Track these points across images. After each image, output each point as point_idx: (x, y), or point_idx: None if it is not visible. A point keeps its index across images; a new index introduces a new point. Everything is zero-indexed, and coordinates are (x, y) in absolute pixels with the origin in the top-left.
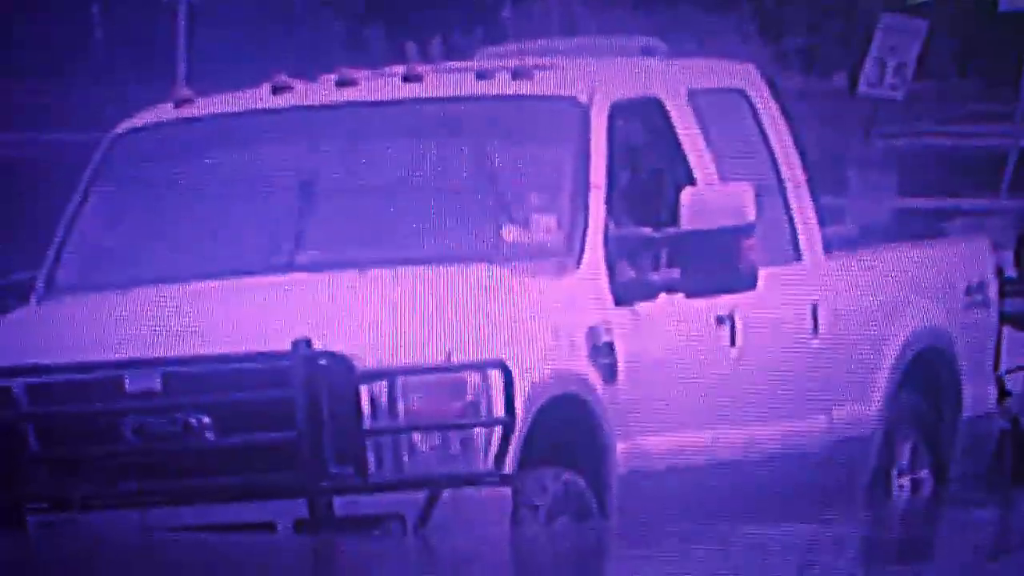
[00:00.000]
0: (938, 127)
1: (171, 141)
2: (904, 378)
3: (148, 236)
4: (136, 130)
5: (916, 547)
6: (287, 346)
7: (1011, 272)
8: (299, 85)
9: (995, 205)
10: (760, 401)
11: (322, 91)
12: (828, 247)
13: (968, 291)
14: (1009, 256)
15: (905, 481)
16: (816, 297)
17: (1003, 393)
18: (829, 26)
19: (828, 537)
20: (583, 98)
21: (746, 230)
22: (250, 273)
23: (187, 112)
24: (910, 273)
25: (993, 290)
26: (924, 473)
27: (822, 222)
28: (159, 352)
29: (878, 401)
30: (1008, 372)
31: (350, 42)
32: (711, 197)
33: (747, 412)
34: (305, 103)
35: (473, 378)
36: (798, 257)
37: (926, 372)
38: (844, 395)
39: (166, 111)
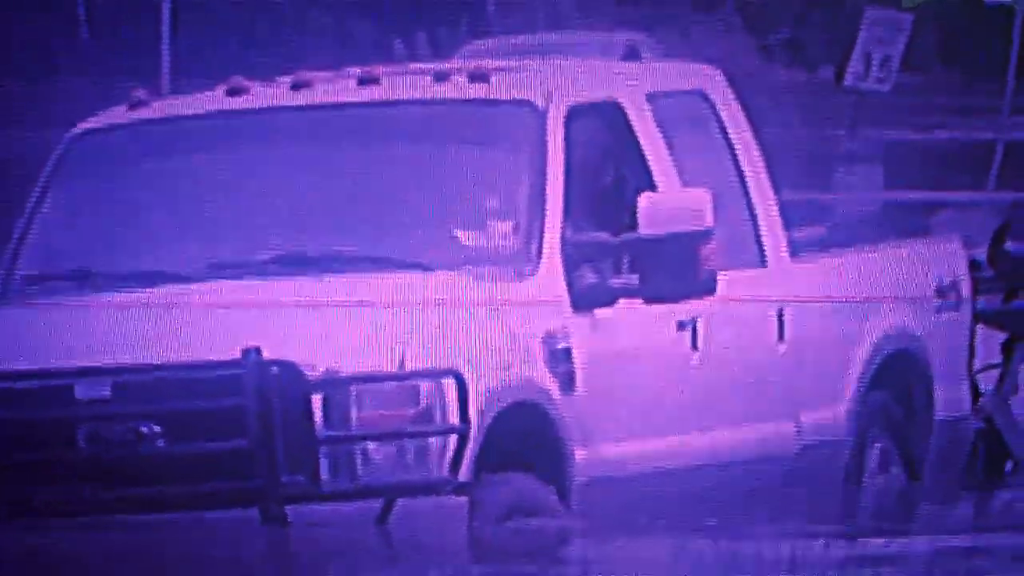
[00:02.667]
0: (924, 120)
1: (125, 143)
2: (874, 381)
3: (102, 240)
4: (91, 132)
5: (889, 547)
6: (238, 354)
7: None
8: (254, 87)
9: (982, 198)
10: (724, 407)
11: (276, 94)
12: (795, 250)
13: (940, 292)
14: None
15: (877, 483)
16: (781, 302)
17: (976, 392)
18: (815, 19)
19: (799, 539)
20: (539, 102)
21: (704, 236)
22: (203, 279)
23: (141, 114)
24: (879, 275)
25: (966, 290)
26: (896, 475)
27: (787, 225)
28: (110, 359)
29: (847, 405)
30: (980, 370)
31: (337, 37)
32: (668, 202)
33: (711, 418)
34: (258, 106)
35: (427, 386)
36: (763, 261)
37: (897, 375)
38: (812, 399)
39: (120, 113)
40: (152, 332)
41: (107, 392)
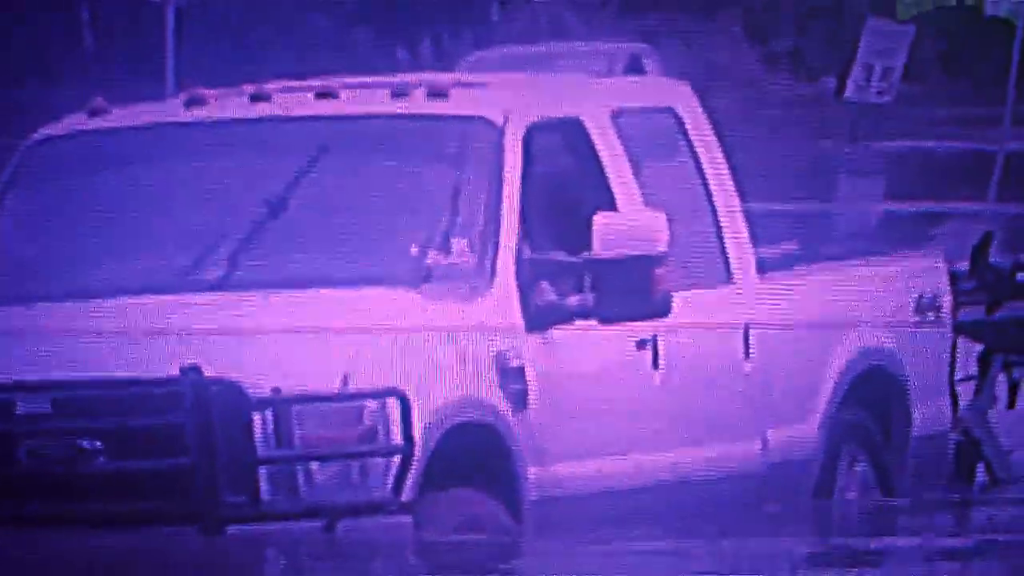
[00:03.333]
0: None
1: (83, 152)
2: (847, 398)
3: (53, 250)
4: (49, 139)
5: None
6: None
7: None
8: (213, 98)
9: (982, 209)
10: (687, 426)
11: (235, 105)
12: (763, 268)
13: (918, 309)
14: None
15: (850, 499)
16: (748, 319)
17: (956, 404)
18: (816, 30)
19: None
20: (497, 119)
21: (658, 258)
22: (151, 292)
23: (100, 123)
24: (851, 292)
25: (947, 306)
26: (871, 492)
27: (755, 242)
28: (53, 373)
29: (817, 423)
30: (960, 381)
31: (341, 46)
32: (622, 224)
33: (673, 437)
34: (215, 117)
35: (370, 406)
36: (729, 279)
37: (872, 392)
38: (780, 418)
39: (80, 120)
40: (96, 346)
41: (47, 407)
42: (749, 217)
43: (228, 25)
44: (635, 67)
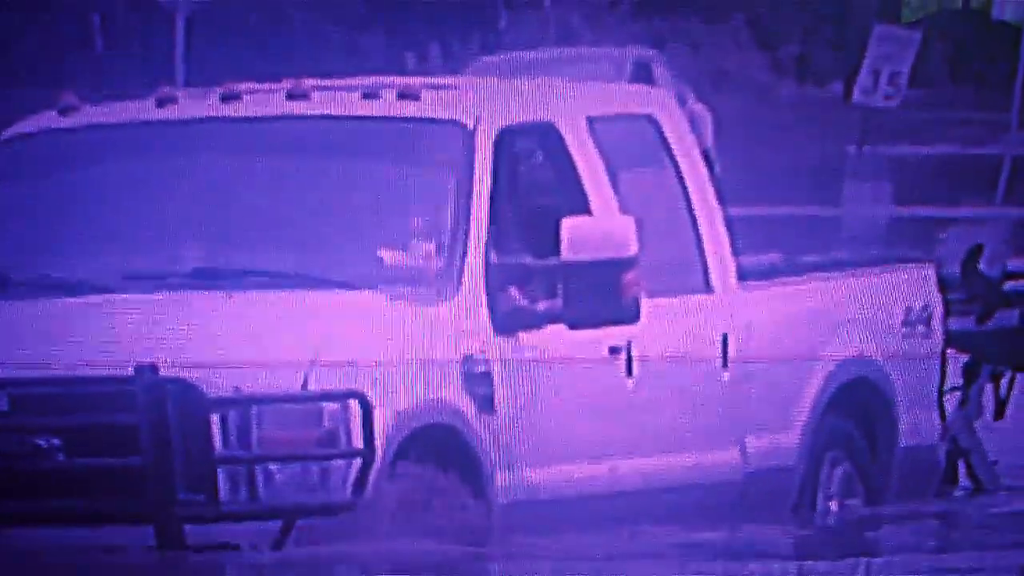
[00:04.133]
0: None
1: (52, 150)
2: (830, 409)
3: (19, 246)
4: (19, 137)
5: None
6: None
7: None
8: (183, 98)
9: (989, 213)
10: (661, 433)
11: (205, 105)
12: (744, 277)
13: (907, 321)
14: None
15: (833, 508)
16: (726, 328)
17: (944, 416)
18: (824, 34)
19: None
20: (468, 122)
21: (627, 263)
22: (113, 290)
23: (70, 121)
24: (834, 303)
25: (937, 318)
26: (855, 501)
27: (736, 252)
28: (9, 370)
29: (799, 432)
30: (947, 393)
31: (349, 50)
32: (591, 228)
33: (646, 444)
34: (185, 117)
35: (330, 408)
36: (708, 288)
37: (857, 402)
38: (760, 426)
39: (50, 118)
40: (55, 343)
41: (5, 404)
42: (731, 226)
43: (237, 30)
44: (643, 72)
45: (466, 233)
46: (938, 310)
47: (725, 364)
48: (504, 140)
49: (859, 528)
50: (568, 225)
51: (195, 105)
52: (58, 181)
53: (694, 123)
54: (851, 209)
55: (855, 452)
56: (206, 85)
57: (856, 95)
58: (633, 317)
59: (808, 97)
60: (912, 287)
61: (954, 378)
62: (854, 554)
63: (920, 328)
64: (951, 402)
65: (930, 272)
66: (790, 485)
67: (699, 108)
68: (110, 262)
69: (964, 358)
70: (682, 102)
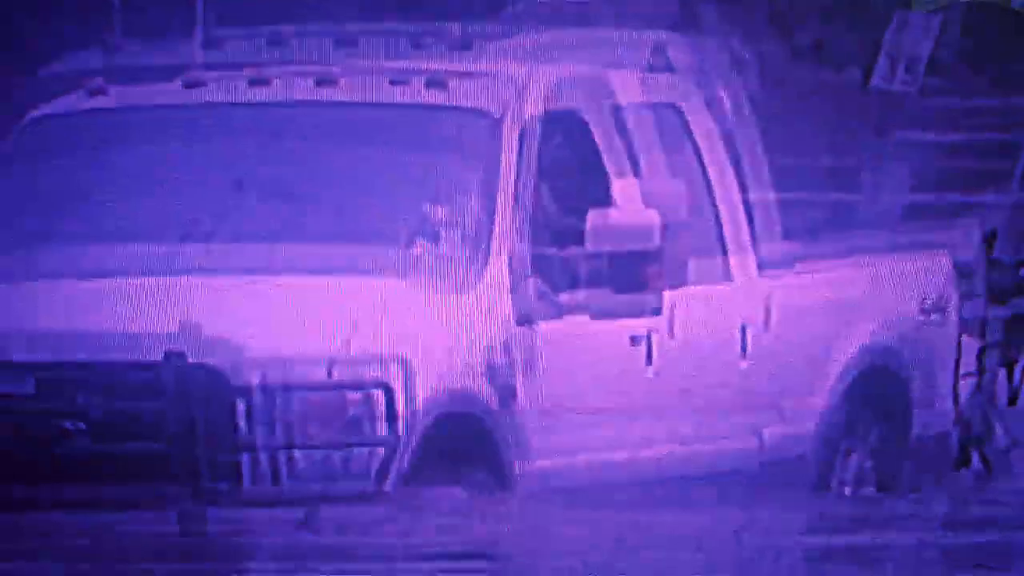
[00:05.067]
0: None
1: (80, 131)
2: (847, 397)
3: (46, 228)
4: (47, 117)
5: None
6: (161, 356)
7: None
8: (211, 81)
9: (1007, 200)
10: (680, 423)
11: (233, 89)
12: (763, 266)
13: (923, 308)
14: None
15: (847, 495)
16: (745, 318)
17: (957, 401)
18: (842, 19)
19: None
20: (495, 111)
21: (651, 256)
22: (140, 274)
23: (99, 102)
24: (854, 291)
25: (953, 305)
26: (869, 490)
27: (756, 241)
28: (37, 354)
29: (816, 422)
30: (961, 378)
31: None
32: (616, 220)
33: (664, 434)
34: (213, 100)
35: (354, 397)
36: (728, 277)
37: (872, 391)
38: (777, 416)
39: (79, 99)
40: (83, 326)
41: (31, 387)
42: (751, 215)
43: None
44: (660, 55)
45: (491, 222)
46: (954, 297)
47: (744, 354)
48: (530, 129)
49: (871, 513)
50: (593, 217)
51: (223, 89)
52: (85, 163)
53: (713, 106)
54: (867, 195)
55: (870, 440)
56: (227, 58)
57: (874, 80)
58: (655, 309)
59: (825, 82)
60: (929, 274)
61: (968, 365)
62: (866, 537)
63: (936, 315)
64: (966, 389)
65: (946, 259)
66: (806, 473)
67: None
68: (135, 245)
69: (978, 344)
70: (700, 86)
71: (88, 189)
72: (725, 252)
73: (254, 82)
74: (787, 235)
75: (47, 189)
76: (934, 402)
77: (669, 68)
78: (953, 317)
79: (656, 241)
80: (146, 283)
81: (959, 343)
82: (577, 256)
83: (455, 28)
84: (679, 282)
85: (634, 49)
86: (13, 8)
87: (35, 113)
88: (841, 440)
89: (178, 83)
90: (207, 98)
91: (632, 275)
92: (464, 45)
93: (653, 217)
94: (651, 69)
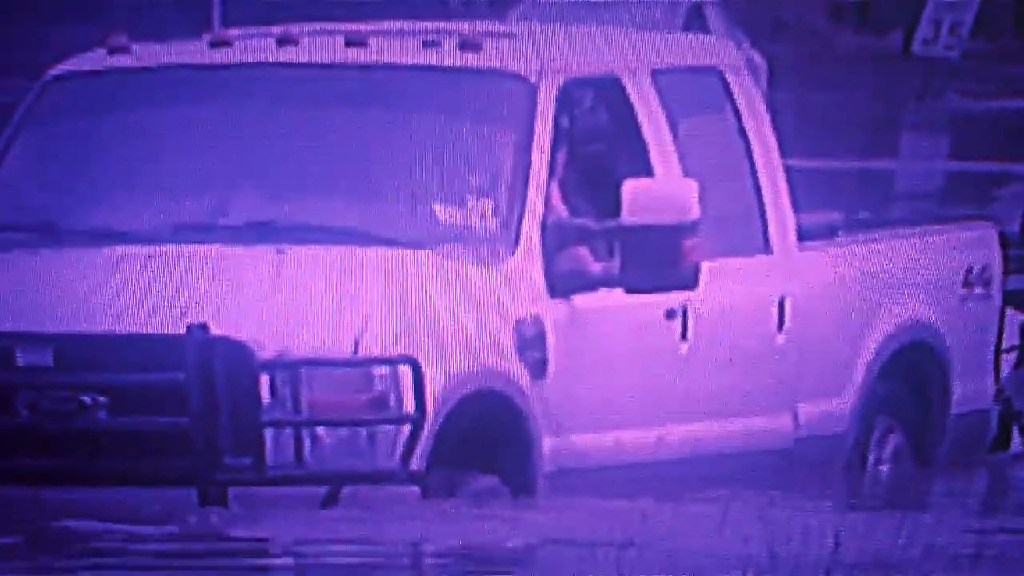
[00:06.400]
0: (993, 88)
1: (101, 91)
2: (884, 373)
3: (65, 193)
4: (67, 76)
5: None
6: (184, 328)
7: None
8: (238, 40)
9: None
10: (714, 398)
11: (260, 49)
12: (803, 237)
13: (967, 282)
14: None
15: (883, 474)
16: (784, 291)
17: (998, 375)
18: None
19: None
20: (531, 75)
21: (688, 227)
22: (161, 241)
23: (121, 61)
24: (894, 264)
25: (997, 279)
26: (905, 467)
27: (797, 209)
28: (56, 324)
29: (852, 398)
30: (1002, 352)
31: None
32: (653, 191)
33: (699, 409)
34: (240, 60)
35: (381, 372)
36: (767, 249)
37: (911, 367)
38: (813, 392)
39: (100, 58)
40: (103, 297)
41: (50, 359)
42: (792, 183)
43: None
44: (696, 18)
45: (524, 191)
46: (998, 270)
47: (781, 327)
48: (567, 94)
49: (908, 491)
50: (629, 187)
51: (250, 49)
52: (106, 123)
53: (750, 71)
54: (907, 163)
55: (907, 416)
56: (243, 22)
57: (916, 45)
58: (692, 283)
59: (866, 46)
60: (974, 247)
61: (1012, 338)
62: (902, 515)
63: (979, 289)
64: (1007, 363)
65: (992, 231)
66: (841, 451)
67: (755, 56)
68: (158, 211)
69: (1021, 317)
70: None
71: (107, 151)
72: (764, 222)
73: (282, 41)
74: (825, 205)
75: (64, 151)
76: (974, 378)
77: (704, 30)
78: (997, 289)
79: (694, 212)
80: (169, 252)
81: (1002, 316)
82: (612, 227)
83: (467, 26)
84: (717, 252)
85: (670, 11)
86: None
87: (55, 71)
88: (877, 416)
89: (203, 42)
90: (233, 58)
91: (669, 247)
92: (475, 45)
93: (692, 187)
94: (687, 31)
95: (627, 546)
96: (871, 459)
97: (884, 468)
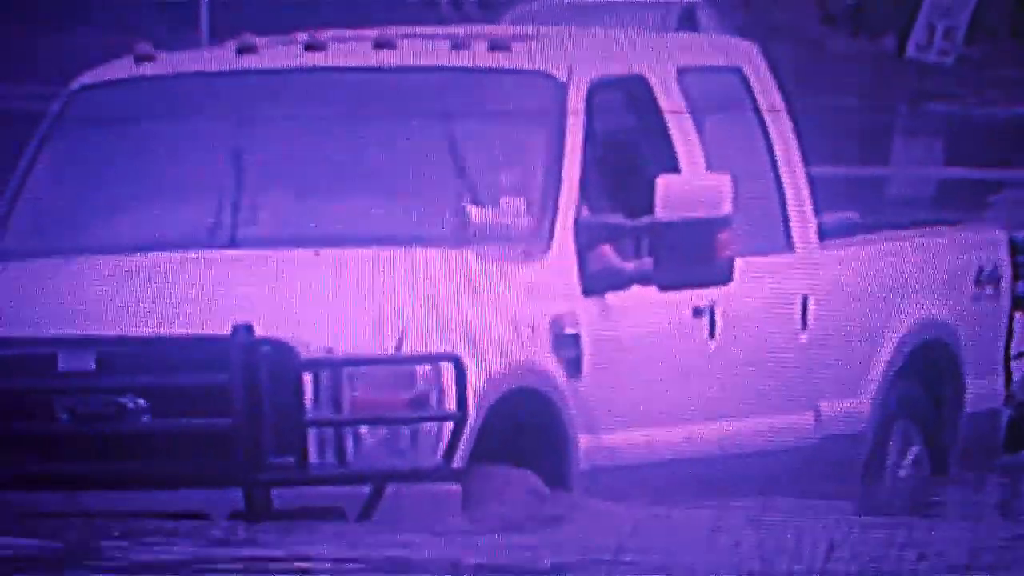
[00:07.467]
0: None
1: (128, 99)
2: (901, 372)
3: (97, 201)
4: (93, 86)
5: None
6: (228, 330)
7: None
8: (265, 46)
9: None
10: (741, 396)
11: (288, 54)
12: (824, 236)
13: (978, 282)
14: None
15: (901, 474)
16: (807, 289)
17: (1009, 381)
18: None
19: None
20: (560, 74)
21: (722, 222)
22: (201, 246)
23: (147, 70)
24: (912, 264)
25: (1006, 280)
26: (922, 468)
27: (818, 210)
28: (96, 329)
29: (871, 397)
30: (1015, 358)
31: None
32: (686, 186)
33: (726, 407)
34: (269, 66)
35: (423, 370)
36: (790, 247)
37: (926, 366)
38: (834, 390)
39: (124, 67)
40: (142, 301)
41: (92, 364)
42: (812, 182)
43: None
44: (689, 20)
45: (556, 190)
46: (1007, 272)
47: (804, 326)
48: (596, 93)
49: (923, 493)
50: (662, 183)
51: (278, 54)
52: (135, 132)
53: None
54: (899, 169)
55: (923, 417)
56: (231, 29)
57: (910, 49)
58: (726, 278)
59: (860, 51)
60: (984, 247)
61: (1021, 344)
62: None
63: (989, 289)
64: (1019, 369)
65: (1000, 233)
66: (861, 451)
67: None
68: (192, 217)
69: None
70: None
71: (139, 160)
72: (787, 221)
73: (311, 46)
74: (840, 207)
75: (102, 159)
76: (986, 377)
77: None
78: (1006, 291)
79: (728, 207)
80: (207, 256)
81: (1011, 319)
82: (645, 224)
83: (494, 29)
84: (742, 251)
85: (662, 14)
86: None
87: (81, 80)
88: (895, 416)
89: (230, 48)
90: (261, 64)
91: (703, 242)
92: (504, 46)
93: (726, 181)
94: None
95: (621, 552)
96: (889, 460)
97: (901, 470)
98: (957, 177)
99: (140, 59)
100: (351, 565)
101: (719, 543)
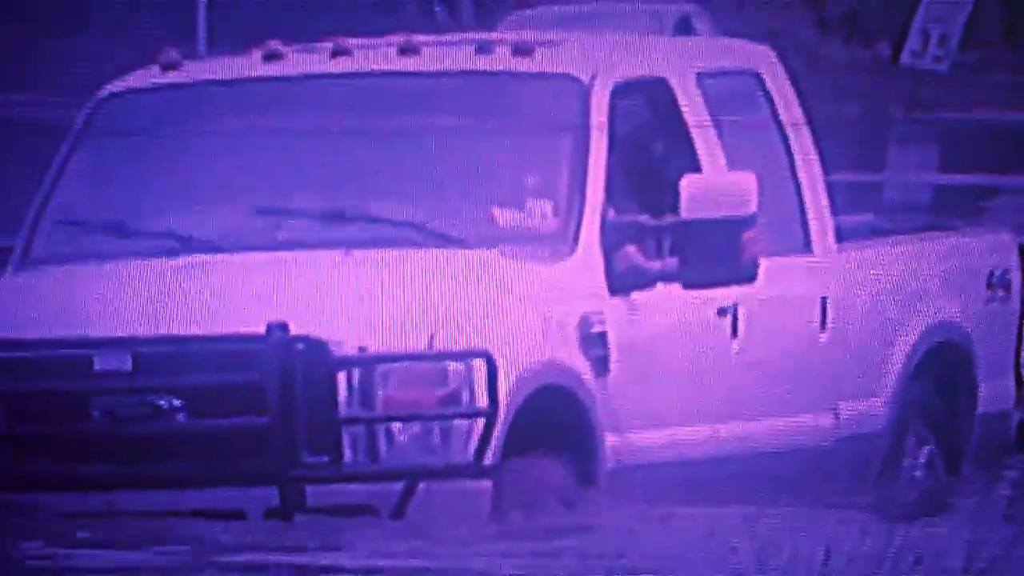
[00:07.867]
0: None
1: (156, 107)
2: (916, 374)
3: (129, 206)
4: (120, 94)
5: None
6: (263, 328)
7: None
8: (291, 53)
9: None
10: (762, 396)
11: (314, 60)
12: (841, 237)
13: (989, 284)
14: None
15: (915, 476)
16: (826, 290)
17: (1020, 384)
18: None
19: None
20: (584, 77)
21: (747, 221)
22: (231, 249)
23: (174, 77)
24: (926, 265)
25: (1016, 282)
26: (936, 469)
27: (835, 211)
28: (131, 330)
29: (888, 397)
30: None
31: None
32: (712, 185)
33: (748, 407)
34: (295, 73)
35: (456, 367)
36: (809, 248)
37: (941, 367)
38: (852, 391)
39: (152, 75)
40: (177, 303)
41: (128, 364)
42: (829, 185)
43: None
44: (684, 28)
45: (582, 191)
46: (1017, 274)
47: (823, 327)
48: (619, 96)
49: (936, 495)
50: (687, 182)
51: (304, 61)
52: (163, 138)
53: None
54: (894, 175)
55: (936, 418)
56: (229, 39)
57: (904, 56)
58: (751, 277)
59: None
60: (995, 251)
61: None
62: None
63: (1001, 292)
64: None
65: (1011, 237)
66: (878, 451)
67: None
68: (224, 221)
69: None
70: None
71: (168, 166)
72: (805, 222)
73: (336, 53)
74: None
75: (131, 165)
76: (998, 378)
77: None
78: (1016, 294)
79: (753, 206)
80: (240, 258)
81: (1022, 322)
82: (671, 223)
83: (516, 34)
84: (764, 251)
85: (656, 21)
86: None
87: (109, 88)
88: (910, 417)
89: (256, 56)
90: (288, 71)
91: (728, 241)
92: (527, 50)
93: (750, 180)
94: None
95: (618, 557)
96: (905, 462)
97: (917, 472)
98: (953, 183)
99: (166, 67)
100: None
101: (714, 547)
